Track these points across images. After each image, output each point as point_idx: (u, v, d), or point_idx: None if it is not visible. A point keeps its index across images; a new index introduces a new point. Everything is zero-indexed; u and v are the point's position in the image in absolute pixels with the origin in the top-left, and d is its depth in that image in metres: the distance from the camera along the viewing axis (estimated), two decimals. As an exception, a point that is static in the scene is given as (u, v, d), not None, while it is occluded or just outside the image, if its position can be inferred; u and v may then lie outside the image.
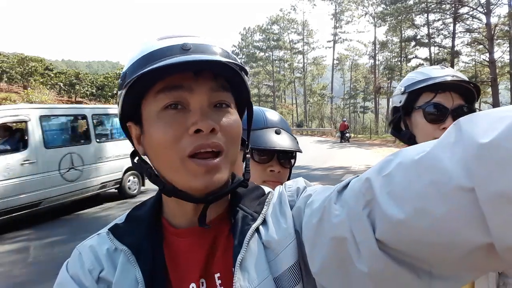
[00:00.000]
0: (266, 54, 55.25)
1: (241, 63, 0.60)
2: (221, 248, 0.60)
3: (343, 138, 25.23)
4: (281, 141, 1.07)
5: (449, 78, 1.07)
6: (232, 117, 0.59)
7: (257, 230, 0.59)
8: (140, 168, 0.63)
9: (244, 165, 0.67)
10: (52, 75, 24.58)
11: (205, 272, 0.59)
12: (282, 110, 55.17)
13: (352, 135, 30.28)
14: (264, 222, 0.61)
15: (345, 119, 30.68)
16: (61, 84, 23.23)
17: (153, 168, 0.61)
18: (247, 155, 0.68)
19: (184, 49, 0.55)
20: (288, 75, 54.15)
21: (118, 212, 6.91)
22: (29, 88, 19.88)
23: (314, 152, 18.29)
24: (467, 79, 1.09)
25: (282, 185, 0.68)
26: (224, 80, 0.59)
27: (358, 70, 47.63)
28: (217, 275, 0.59)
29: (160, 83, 0.56)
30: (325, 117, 47.21)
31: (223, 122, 0.57)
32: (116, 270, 0.59)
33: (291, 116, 56.10)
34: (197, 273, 0.59)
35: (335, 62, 49.92)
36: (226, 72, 0.58)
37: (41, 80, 23.04)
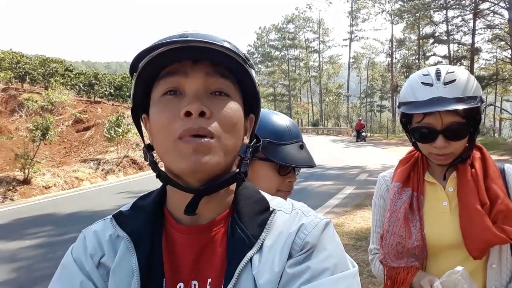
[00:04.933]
0: (282, 53, 55.08)
1: (245, 54, 0.60)
2: (216, 256, 0.60)
3: (359, 137, 24.97)
4: (305, 156, 1.10)
5: (434, 100, 1.05)
6: (228, 105, 0.58)
7: (251, 258, 0.57)
8: (145, 156, 0.64)
9: (244, 158, 0.65)
10: (72, 76, 25.14)
11: (197, 273, 0.59)
12: (297, 109, 54.96)
13: (369, 134, 29.94)
14: (259, 250, 0.58)
15: (360, 118, 30.30)
16: (81, 84, 23.73)
17: (155, 156, 0.63)
18: (260, 159, 0.67)
19: (182, 37, 0.55)
20: (303, 74, 53.87)
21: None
22: (49, 89, 20.40)
23: (329, 151, 18.19)
24: (457, 96, 1.05)
25: (296, 210, 0.64)
26: (225, 69, 0.59)
27: (375, 68, 46.94)
28: (209, 280, 0.59)
29: (163, 72, 0.58)
30: (341, 116, 46.77)
31: (218, 108, 0.57)
32: (116, 256, 0.60)
33: (307, 115, 55.80)
34: (189, 272, 0.59)
35: (351, 60, 49.38)
36: (226, 60, 0.58)
37: (62, 80, 23.60)
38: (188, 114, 0.55)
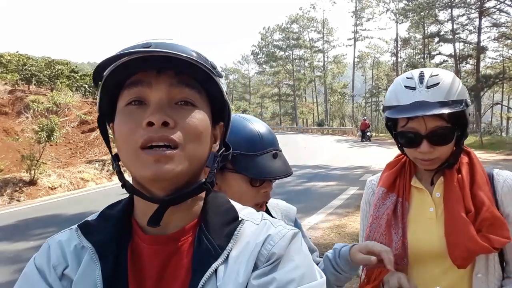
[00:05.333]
0: (286, 53, 55.02)
1: (212, 63, 0.59)
2: (181, 267, 0.59)
3: (364, 137, 24.83)
4: (278, 165, 1.05)
5: (417, 104, 1.03)
6: (193, 114, 0.58)
7: (216, 270, 0.57)
8: (113, 165, 0.64)
9: (210, 168, 0.64)
10: (77, 77, 25.36)
11: (161, 285, 0.58)
12: (302, 109, 54.88)
13: (374, 134, 29.79)
14: (225, 261, 0.57)
15: (365, 117, 30.15)
16: (86, 86, 23.93)
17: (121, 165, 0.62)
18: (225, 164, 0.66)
19: (145, 47, 0.55)
20: (308, 74, 53.75)
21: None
22: (55, 91, 20.58)
23: (333, 151, 18.13)
24: (440, 100, 1.02)
25: (265, 220, 0.63)
26: (191, 78, 0.59)
27: (380, 67, 46.68)
28: None
29: (128, 81, 0.58)
30: (346, 116, 46.61)
31: (182, 118, 0.57)
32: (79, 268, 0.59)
33: (312, 115, 55.68)
34: (153, 284, 0.58)
35: (356, 60, 49.20)
36: (191, 69, 0.57)
37: (67, 82, 23.82)
38: (150, 124, 0.54)
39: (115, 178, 12.72)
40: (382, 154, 16.12)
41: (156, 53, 0.54)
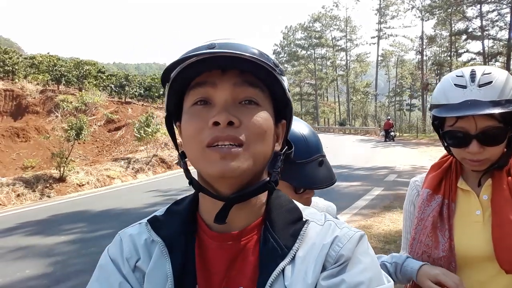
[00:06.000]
0: (308, 52, 54.69)
1: (274, 61, 0.60)
2: (248, 264, 0.60)
3: (388, 137, 24.40)
4: (323, 174, 1.02)
5: (468, 104, 0.99)
6: (257, 113, 0.59)
7: (283, 269, 0.57)
8: (180, 163, 0.65)
9: (274, 167, 0.64)
10: (104, 77, 26.08)
11: (228, 281, 0.60)
12: (324, 108, 54.38)
13: (398, 133, 29.20)
14: (292, 260, 0.58)
15: (389, 117, 29.55)
16: (112, 85, 24.55)
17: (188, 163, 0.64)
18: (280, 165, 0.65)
19: (209, 47, 0.56)
20: (330, 73, 53.25)
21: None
22: (83, 90, 21.20)
23: (356, 151, 17.90)
24: (492, 99, 0.97)
25: (329, 221, 0.63)
26: (254, 77, 0.59)
27: (404, 66, 45.68)
28: None
29: (193, 82, 0.60)
30: (369, 116, 45.88)
31: (247, 117, 0.57)
32: (151, 260, 0.61)
33: (334, 115, 55.08)
34: (220, 280, 0.60)
35: (380, 58, 48.30)
36: (254, 68, 0.58)
37: (95, 82, 24.55)
38: (216, 124, 0.56)
39: (140, 176, 13.01)
40: (406, 155, 15.80)
41: (221, 53, 0.55)
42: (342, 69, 52.81)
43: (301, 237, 0.60)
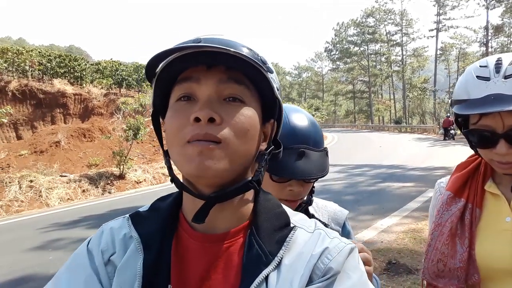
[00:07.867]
0: (361, 49, 53.13)
1: (263, 58, 0.58)
2: (230, 269, 0.58)
3: (447, 135, 23.00)
4: (303, 166, 0.96)
5: (491, 98, 0.87)
6: (241, 111, 0.57)
7: (267, 276, 0.55)
8: (165, 160, 0.63)
9: (257, 166, 0.62)
10: (161, 80, 27.45)
11: (207, 284, 0.58)
12: (378, 106, 52.51)
13: (458, 132, 27.35)
14: (277, 268, 0.56)
15: (449, 114, 27.77)
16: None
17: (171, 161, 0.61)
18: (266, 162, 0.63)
19: (195, 42, 0.54)
20: (385, 69, 51.18)
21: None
22: (141, 92, 22.47)
23: (412, 150, 17.11)
24: None
25: (319, 230, 0.61)
26: (241, 74, 0.58)
27: (467, 59, 42.50)
28: None
29: (179, 77, 0.58)
30: (427, 113, 43.43)
31: (229, 114, 0.56)
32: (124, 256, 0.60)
33: (389, 113, 52.97)
34: (198, 282, 0.58)
35: (439, 52, 45.50)
36: (241, 65, 0.56)
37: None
38: (197, 120, 0.54)
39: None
40: (467, 154, 14.62)
41: (205, 48, 0.54)
42: (398, 64, 50.56)
43: (287, 244, 0.58)
